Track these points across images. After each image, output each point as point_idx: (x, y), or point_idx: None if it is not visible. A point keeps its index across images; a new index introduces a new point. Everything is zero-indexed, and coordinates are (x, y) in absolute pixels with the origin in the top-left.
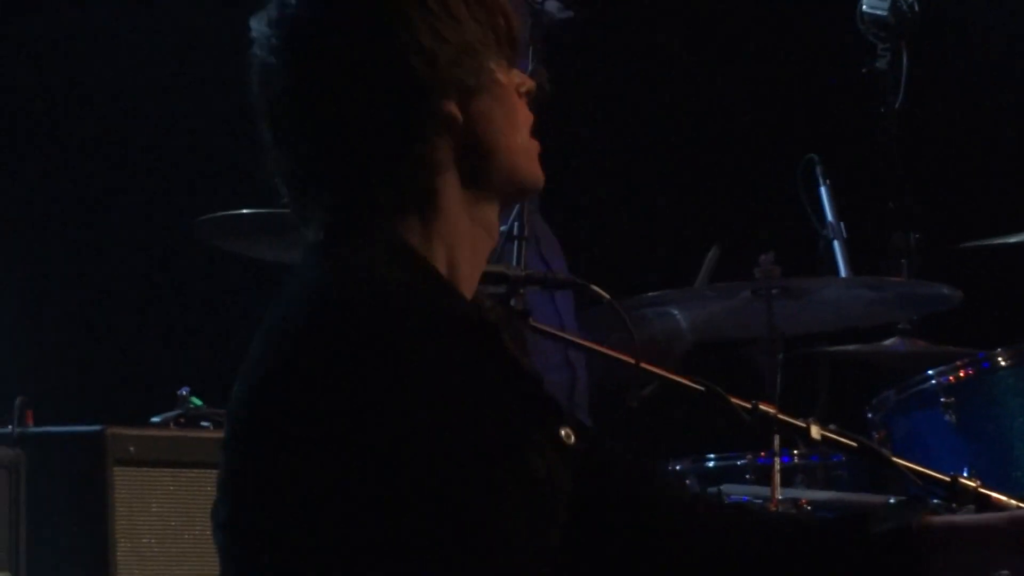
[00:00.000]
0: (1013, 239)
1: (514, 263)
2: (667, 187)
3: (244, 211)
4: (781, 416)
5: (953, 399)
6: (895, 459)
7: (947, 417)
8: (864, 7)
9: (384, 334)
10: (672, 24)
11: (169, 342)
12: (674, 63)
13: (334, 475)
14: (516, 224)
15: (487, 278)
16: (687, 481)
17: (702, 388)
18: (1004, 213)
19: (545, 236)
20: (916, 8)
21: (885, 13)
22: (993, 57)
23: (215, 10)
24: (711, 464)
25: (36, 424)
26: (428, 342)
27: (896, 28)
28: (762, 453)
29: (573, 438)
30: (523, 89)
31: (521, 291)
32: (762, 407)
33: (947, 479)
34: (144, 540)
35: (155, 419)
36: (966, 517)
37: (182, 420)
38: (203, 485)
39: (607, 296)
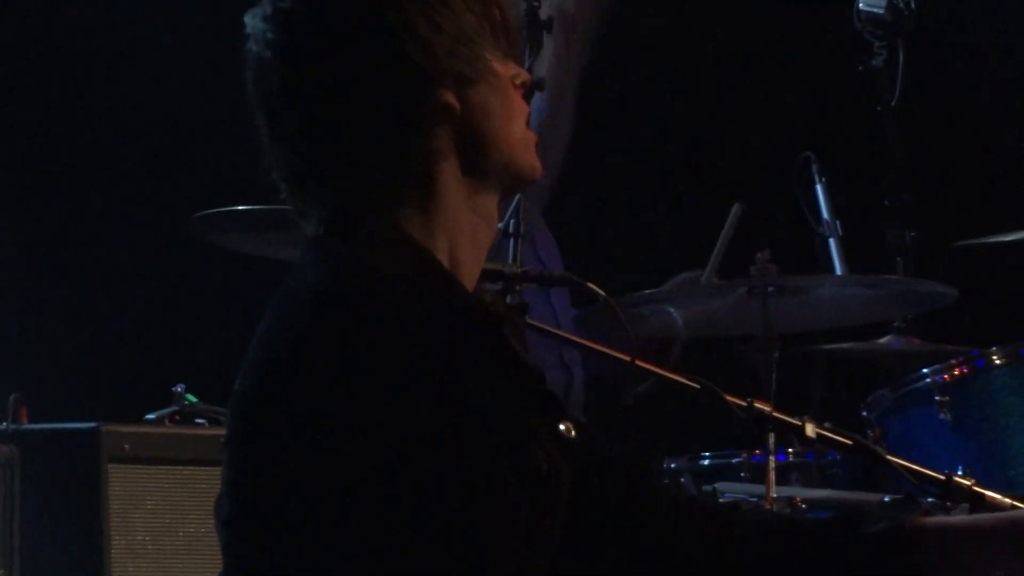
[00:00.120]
0: (1009, 237)
1: (510, 260)
2: (663, 185)
3: (239, 207)
4: (776, 414)
5: (948, 397)
6: (890, 457)
7: (942, 415)
8: (861, 5)
9: (387, 330)
10: (668, 22)
11: (164, 339)
12: (671, 61)
13: (338, 471)
14: (512, 221)
15: (483, 275)
16: (682, 479)
17: (697, 386)
18: (1000, 211)
19: (541, 234)
20: (913, 6)
21: (882, 11)
22: (990, 55)
23: (209, 6)
24: (706, 462)
25: (31, 421)
26: (431, 337)
27: (893, 26)
28: (757, 451)
29: (573, 432)
30: (518, 81)
31: (517, 288)
32: (757, 405)
33: (942, 477)
34: (139, 537)
35: (150, 416)
36: (960, 518)
37: (177, 417)
38: (198, 482)
39: (603, 293)
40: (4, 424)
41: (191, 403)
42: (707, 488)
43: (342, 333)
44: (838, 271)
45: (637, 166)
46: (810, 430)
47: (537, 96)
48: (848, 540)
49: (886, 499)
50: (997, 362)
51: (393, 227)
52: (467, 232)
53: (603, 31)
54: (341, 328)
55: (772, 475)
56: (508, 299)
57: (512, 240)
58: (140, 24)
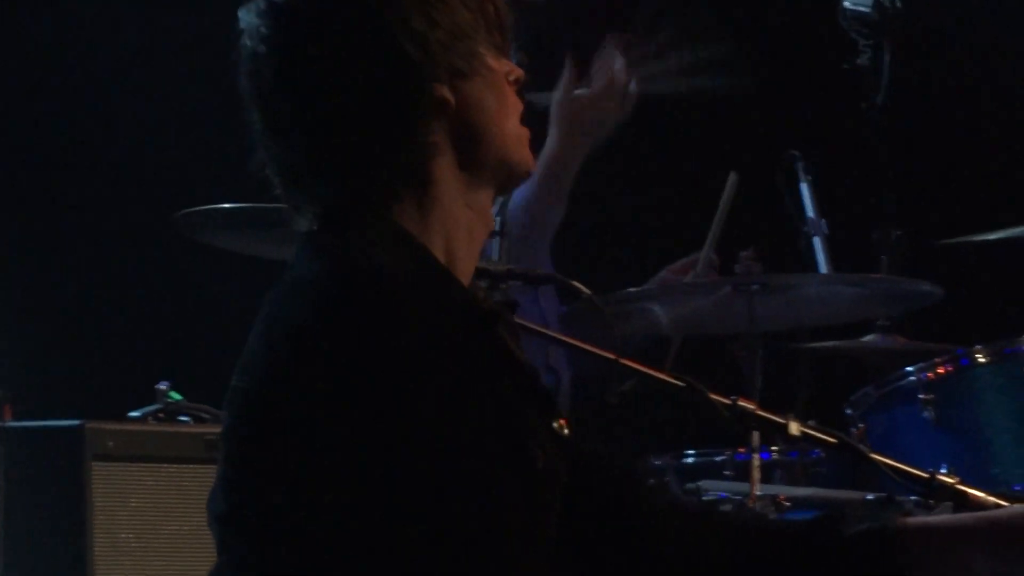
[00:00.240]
0: (993, 236)
1: (495, 258)
2: (648, 184)
3: (224, 205)
4: (760, 412)
5: (932, 396)
6: (874, 455)
7: (926, 414)
8: (846, 3)
9: (386, 326)
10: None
11: (148, 337)
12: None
13: (336, 468)
14: (497, 219)
15: None
16: (666, 477)
17: (682, 384)
18: (985, 210)
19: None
20: (898, 4)
21: (868, 9)
22: (975, 53)
23: (195, 6)
24: (690, 460)
25: (14, 419)
26: (430, 334)
27: (878, 25)
28: (741, 449)
29: (567, 430)
30: (512, 77)
31: (503, 286)
32: (741, 403)
33: (926, 476)
34: (122, 535)
35: (134, 414)
36: (941, 517)
37: (161, 415)
38: (182, 480)
39: (587, 291)
40: None
41: (175, 401)
42: (690, 486)
43: (341, 329)
44: (823, 269)
45: (621, 165)
46: (794, 428)
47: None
48: (831, 541)
49: (869, 497)
50: (981, 360)
51: (389, 222)
52: (463, 227)
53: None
54: (340, 324)
55: (756, 473)
56: (495, 297)
57: (498, 238)
58: (127, 23)
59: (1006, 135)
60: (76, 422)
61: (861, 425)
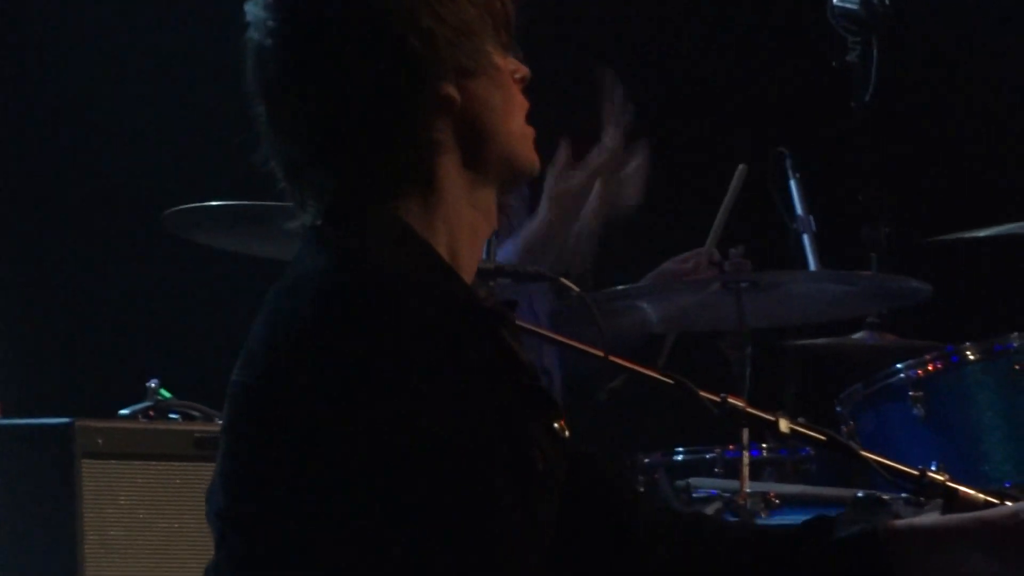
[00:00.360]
0: (982, 233)
1: (484, 256)
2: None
3: (212, 203)
4: (750, 409)
5: (922, 393)
6: (864, 453)
7: (916, 411)
8: (835, 1)
9: (389, 325)
10: (640, 19)
11: (138, 334)
12: (644, 55)
13: (336, 465)
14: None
15: None
16: (656, 475)
17: (671, 381)
18: (974, 207)
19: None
20: (887, 2)
21: (856, 7)
22: (963, 51)
23: (184, 5)
24: (680, 457)
25: (4, 416)
26: (433, 333)
27: (867, 22)
28: (731, 446)
29: (567, 431)
30: (519, 75)
31: (491, 283)
32: (731, 400)
33: (915, 473)
34: (112, 533)
35: (124, 412)
36: (931, 519)
37: (151, 413)
38: (172, 478)
39: (576, 289)
40: None
41: (165, 398)
42: (680, 483)
43: (344, 327)
44: (812, 267)
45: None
46: (784, 425)
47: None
48: (821, 546)
49: (860, 495)
50: (971, 358)
51: (394, 218)
52: (466, 225)
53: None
54: (343, 321)
55: (746, 470)
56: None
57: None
58: (114, 22)
59: (995, 132)
60: (66, 420)
61: (851, 422)
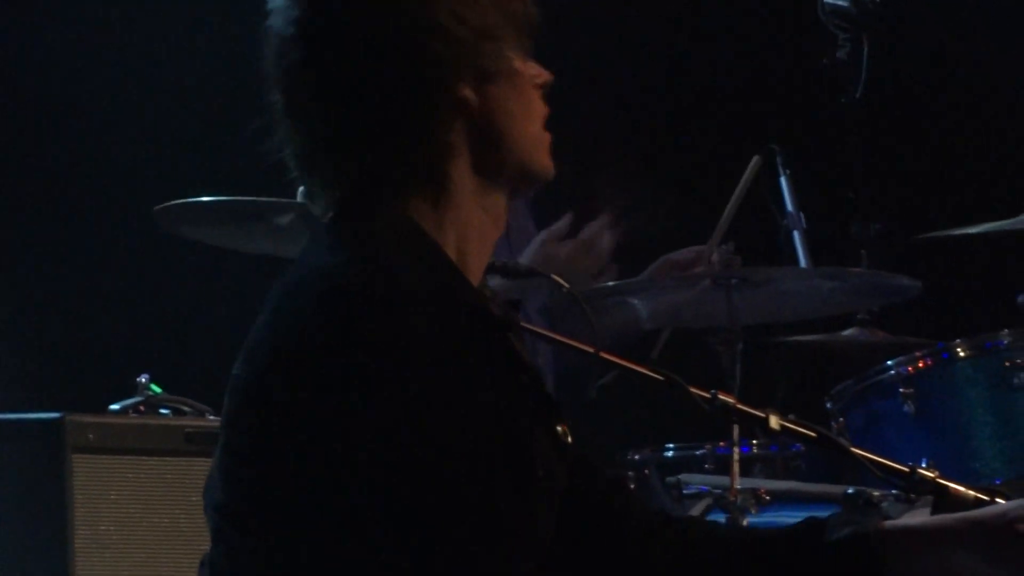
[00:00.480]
0: (973, 230)
1: None
2: (625, 177)
3: (203, 199)
4: (740, 406)
5: (912, 390)
6: (854, 449)
7: (906, 408)
8: None
9: (394, 326)
10: (629, 13)
11: (128, 330)
12: (632, 52)
13: (335, 464)
14: None
15: None
16: (646, 471)
17: (661, 377)
18: (964, 204)
19: (520, 226)
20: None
21: (846, 3)
22: (953, 48)
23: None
24: (670, 454)
25: None
26: (437, 337)
27: (857, 18)
28: (721, 443)
29: (569, 437)
30: (539, 81)
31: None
32: (721, 397)
33: (906, 469)
34: (103, 528)
35: (114, 407)
36: (922, 520)
37: (142, 408)
38: (162, 473)
39: (567, 285)
40: None
41: (155, 393)
42: (671, 479)
43: (348, 326)
44: (802, 263)
45: (598, 158)
46: (774, 422)
47: None
48: (813, 549)
49: (850, 491)
50: (961, 355)
51: (403, 218)
52: (476, 228)
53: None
54: (348, 321)
55: (736, 466)
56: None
57: None
58: (104, 17)
59: (985, 129)
60: (56, 415)
61: (841, 419)
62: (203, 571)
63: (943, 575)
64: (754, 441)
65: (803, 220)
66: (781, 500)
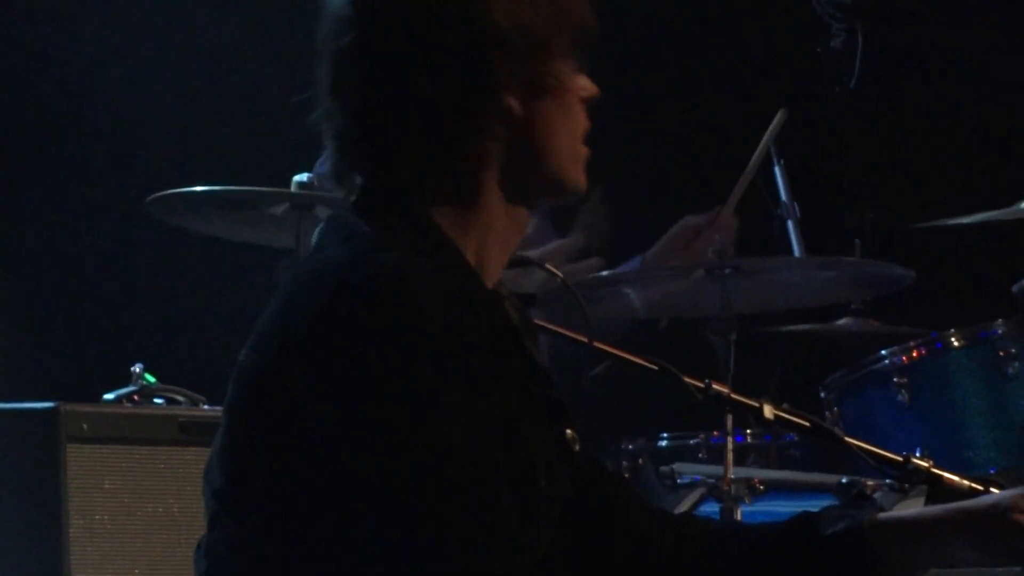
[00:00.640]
0: (967, 220)
1: None
2: (618, 167)
3: (195, 189)
4: (734, 395)
5: (906, 379)
6: (848, 439)
7: (900, 397)
8: None
9: (405, 324)
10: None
11: (122, 319)
12: (622, 41)
13: (336, 456)
14: None
15: None
16: (640, 461)
17: (655, 367)
18: (958, 194)
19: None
20: None
21: None
22: (948, 37)
23: None
24: (664, 443)
25: None
26: (448, 338)
27: (852, 8)
28: (715, 432)
29: (577, 445)
30: (585, 95)
31: None
32: (715, 386)
33: (900, 459)
34: (97, 517)
35: (108, 396)
36: (915, 511)
37: (136, 397)
38: (156, 462)
39: (560, 275)
40: None
41: (149, 383)
42: (665, 469)
43: (360, 322)
44: (796, 253)
45: (590, 148)
46: (768, 411)
47: None
48: (807, 544)
49: (844, 481)
50: (955, 344)
51: (425, 216)
52: (498, 234)
53: None
54: (359, 316)
55: (730, 456)
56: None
57: None
58: (96, 7)
59: (979, 118)
60: (51, 404)
61: (835, 408)
62: (199, 555)
63: (938, 566)
64: (748, 431)
65: (797, 210)
66: (775, 490)
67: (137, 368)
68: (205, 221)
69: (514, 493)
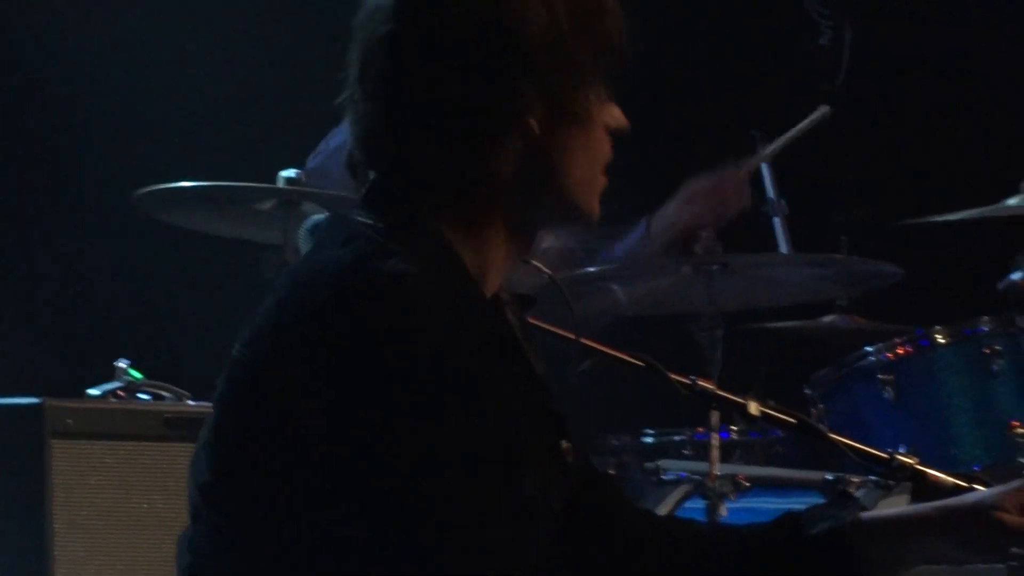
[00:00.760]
0: (953, 217)
1: None
2: (613, 167)
3: (182, 184)
4: (720, 392)
5: (891, 376)
6: (833, 435)
7: (885, 394)
8: None
9: (401, 330)
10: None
11: (107, 315)
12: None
13: (322, 456)
14: None
15: None
16: (625, 458)
17: (641, 363)
18: (944, 191)
19: None
20: None
21: None
22: (936, 34)
23: None
24: (649, 440)
25: None
26: (443, 346)
27: (839, 5)
28: (700, 429)
29: (571, 456)
30: (613, 124)
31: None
32: (701, 383)
33: (885, 456)
34: (82, 513)
35: (93, 392)
36: (899, 509)
37: (121, 393)
38: (141, 458)
39: (548, 271)
40: None
41: (134, 379)
42: (650, 465)
43: (355, 324)
44: (783, 249)
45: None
46: (754, 408)
47: None
48: (791, 545)
49: (829, 477)
50: (940, 341)
51: (431, 224)
52: (502, 250)
53: None
54: (355, 319)
55: (716, 452)
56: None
57: None
58: (84, 4)
59: (966, 116)
60: (35, 400)
61: (821, 405)
62: (181, 548)
63: (922, 563)
64: (733, 427)
65: (784, 206)
66: (760, 486)
67: (122, 364)
68: (192, 216)
69: (507, 501)
